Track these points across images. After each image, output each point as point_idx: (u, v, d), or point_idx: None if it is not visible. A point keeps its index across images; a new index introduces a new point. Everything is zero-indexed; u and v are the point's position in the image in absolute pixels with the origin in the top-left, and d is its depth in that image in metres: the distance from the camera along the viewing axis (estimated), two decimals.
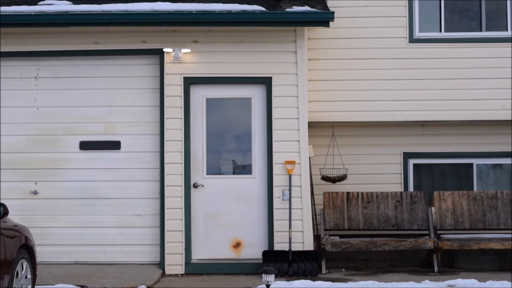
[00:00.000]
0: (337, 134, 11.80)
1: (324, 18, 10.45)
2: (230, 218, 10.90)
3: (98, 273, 10.19)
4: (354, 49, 11.62)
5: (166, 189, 10.76)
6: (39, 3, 10.93)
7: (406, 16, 11.67)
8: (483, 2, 11.76)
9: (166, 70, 10.86)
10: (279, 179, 10.78)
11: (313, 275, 10.42)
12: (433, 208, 11.34)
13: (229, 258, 10.88)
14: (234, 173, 11.07)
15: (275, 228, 10.74)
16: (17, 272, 7.63)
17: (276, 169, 10.79)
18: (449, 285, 9.59)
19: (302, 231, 10.71)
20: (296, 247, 10.65)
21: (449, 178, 12.04)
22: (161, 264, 10.72)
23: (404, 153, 11.93)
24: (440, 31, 11.76)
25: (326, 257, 10.93)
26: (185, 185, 10.80)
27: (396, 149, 11.90)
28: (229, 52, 10.90)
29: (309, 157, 10.99)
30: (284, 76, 10.84)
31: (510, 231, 11.24)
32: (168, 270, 10.65)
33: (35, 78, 11.03)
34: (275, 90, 10.84)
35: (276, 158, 10.79)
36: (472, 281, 9.69)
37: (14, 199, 10.63)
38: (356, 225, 11.37)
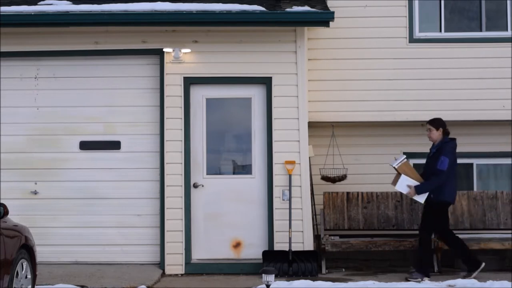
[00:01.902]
0: (337, 134, 11.81)
1: (324, 18, 10.45)
2: (230, 218, 10.90)
3: (98, 273, 10.20)
4: (354, 49, 11.62)
5: (166, 189, 10.76)
6: (39, 3, 10.93)
7: (406, 16, 11.68)
8: (483, 2, 11.77)
9: (166, 70, 10.86)
10: (279, 179, 10.78)
11: (313, 275, 10.42)
12: None
13: (229, 258, 10.88)
14: (234, 173, 11.07)
15: (275, 228, 10.74)
16: (17, 272, 7.63)
17: (276, 169, 10.78)
18: (449, 285, 9.59)
19: (302, 231, 10.71)
20: (296, 247, 10.65)
21: None
22: (161, 264, 10.72)
23: (404, 153, 11.92)
24: (440, 31, 11.76)
25: (326, 257, 10.93)
26: (185, 185, 10.80)
27: (396, 149, 11.89)
28: (229, 52, 10.90)
29: (309, 157, 10.99)
30: (284, 76, 10.84)
31: (510, 231, 11.24)
32: (168, 270, 10.65)
33: (35, 78, 11.03)
34: (275, 90, 10.84)
35: (276, 158, 10.79)
36: (472, 281, 9.69)
37: (14, 199, 10.62)
38: (356, 225, 11.37)
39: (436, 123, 10.31)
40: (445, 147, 10.14)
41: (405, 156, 10.31)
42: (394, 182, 10.33)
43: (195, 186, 10.90)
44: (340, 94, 11.61)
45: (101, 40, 10.93)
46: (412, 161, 11.93)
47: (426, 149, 11.89)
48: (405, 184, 10.14)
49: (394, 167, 10.23)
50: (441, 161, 10.03)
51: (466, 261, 10.23)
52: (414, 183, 10.12)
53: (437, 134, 10.27)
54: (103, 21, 10.52)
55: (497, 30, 11.74)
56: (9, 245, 7.49)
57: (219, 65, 10.90)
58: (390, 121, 11.66)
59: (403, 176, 10.15)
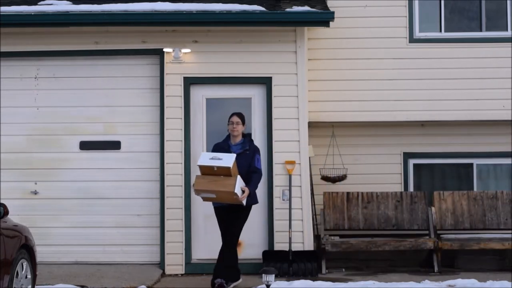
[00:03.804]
0: (337, 134, 11.81)
1: (324, 18, 10.46)
2: None
3: (98, 273, 10.19)
4: (354, 49, 11.62)
5: (166, 189, 10.76)
6: (39, 3, 10.93)
7: (406, 16, 11.68)
8: (483, 2, 11.77)
9: (166, 70, 10.86)
10: (279, 179, 10.77)
11: (313, 275, 10.41)
12: (433, 208, 11.34)
13: None
14: None
15: (275, 228, 10.73)
16: (17, 272, 7.63)
17: (276, 169, 10.78)
18: (449, 285, 9.60)
19: (302, 231, 10.70)
20: (296, 247, 10.65)
21: (449, 178, 12.05)
22: (161, 264, 10.72)
23: (404, 153, 11.94)
24: (440, 31, 11.76)
25: (326, 257, 10.92)
26: (185, 185, 10.80)
27: (396, 149, 11.90)
28: (229, 52, 10.89)
29: (309, 157, 10.99)
30: (284, 76, 10.84)
31: (510, 231, 11.24)
32: (168, 270, 10.65)
33: (35, 78, 11.03)
34: (275, 90, 10.84)
35: (276, 158, 10.78)
36: (472, 281, 9.69)
37: (14, 199, 10.61)
38: (356, 225, 11.37)
39: (244, 118, 9.72)
40: (254, 146, 9.68)
41: (235, 155, 9.20)
42: (210, 186, 9.02)
43: None
44: (340, 94, 11.61)
45: (101, 40, 10.92)
46: (413, 161, 11.96)
47: (427, 149, 11.95)
48: (239, 187, 9.04)
49: (227, 167, 8.93)
50: (257, 159, 9.54)
51: (230, 270, 9.62)
52: (243, 184, 9.19)
53: (241, 129, 9.70)
54: (103, 21, 10.52)
55: (497, 30, 11.74)
56: (9, 245, 7.49)
57: (219, 65, 10.89)
58: (390, 121, 11.66)
59: (239, 178, 9.00)
